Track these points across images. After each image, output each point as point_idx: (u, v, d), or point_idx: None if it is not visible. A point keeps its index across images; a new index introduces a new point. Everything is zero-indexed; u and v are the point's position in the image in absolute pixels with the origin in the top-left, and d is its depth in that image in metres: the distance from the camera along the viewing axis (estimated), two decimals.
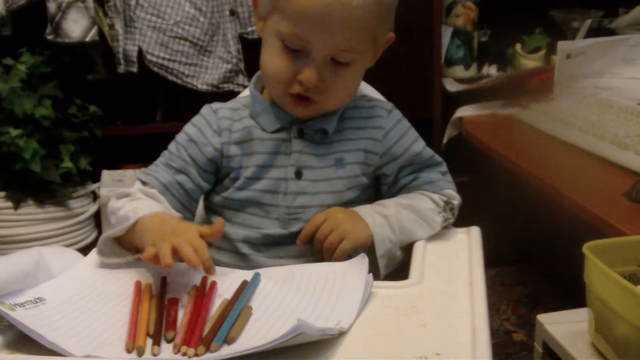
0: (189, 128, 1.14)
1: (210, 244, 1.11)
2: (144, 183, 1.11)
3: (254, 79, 1.17)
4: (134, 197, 1.08)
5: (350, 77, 1.09)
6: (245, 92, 1.30)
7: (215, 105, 1.16)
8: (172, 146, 1.13)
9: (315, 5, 1.00)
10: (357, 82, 1.12)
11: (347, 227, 1.07)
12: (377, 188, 1.20)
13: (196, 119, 1.15)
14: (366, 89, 1.30)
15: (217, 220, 0.98)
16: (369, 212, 1.10)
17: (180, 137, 1.13)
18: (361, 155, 1.13)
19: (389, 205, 1.13)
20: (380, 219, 1.10)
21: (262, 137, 1.12)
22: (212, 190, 1.16)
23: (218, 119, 1.13)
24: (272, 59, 1.07)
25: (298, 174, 1.11)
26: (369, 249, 1.07)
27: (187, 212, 1.12)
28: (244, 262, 1.11)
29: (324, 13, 1.00)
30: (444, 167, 1.20)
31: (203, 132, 1.12)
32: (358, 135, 1.14)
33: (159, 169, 1.12)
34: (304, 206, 1.11)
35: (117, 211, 1.06)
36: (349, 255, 1.04)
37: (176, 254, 0.90)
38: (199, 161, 1.11)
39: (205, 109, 1.16)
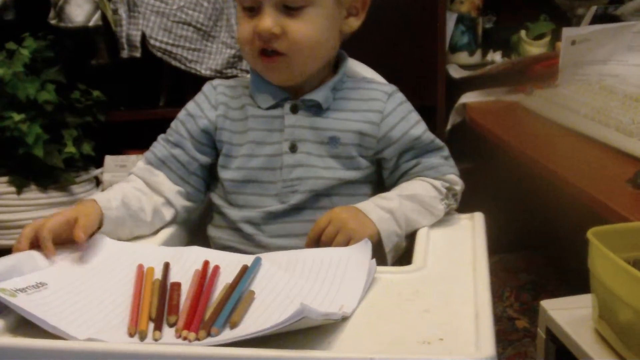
0: (189, 104, 1.20)
1: (214, 225, 1.17)
2: (146, 159, 1.18)
3: None
4: (125, 179, 1.17)
5: (307, 22, 1.08)
6: None
7: (216, 81, 1.21)
8: (172, 123, 1.20)
9: None
10: (317, 31, 1.10)
11: (353, 227, 1.04)
12: (379, 172, 1.19)
13: (197, 96, 1.21)
14: (367, 72, 1.29)
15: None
16: (373, 209, 1.08)
17: (181, 113, 1.20)
18: (356, 137, 1.14)
19: (392, 198, 1.11)
20: (385, 214, 1.08)
21: (256, 114, 1.15)
22: (215, 177, 1.18)
23: (216, 93, 1.18)
24: (239, 27, 1.11)
25: (293, 148, 1.13)
26: (376, 245, 1.06)
27: (188, 186, 1.17)
28: (248, 242, 1.13)
29: None
30: (445, 152, 1.19)
31: (201, 106, 1.18)
32: (354, 117, 1.14)
33: (158, 144, 1.19)
34: (300, 178, 1.12)
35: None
36: None
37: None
38: (194, 134, 1.16)
39: (206, 86, 1.21)
